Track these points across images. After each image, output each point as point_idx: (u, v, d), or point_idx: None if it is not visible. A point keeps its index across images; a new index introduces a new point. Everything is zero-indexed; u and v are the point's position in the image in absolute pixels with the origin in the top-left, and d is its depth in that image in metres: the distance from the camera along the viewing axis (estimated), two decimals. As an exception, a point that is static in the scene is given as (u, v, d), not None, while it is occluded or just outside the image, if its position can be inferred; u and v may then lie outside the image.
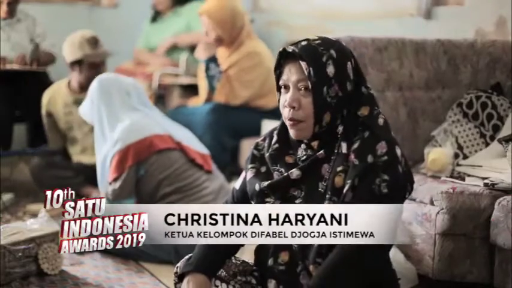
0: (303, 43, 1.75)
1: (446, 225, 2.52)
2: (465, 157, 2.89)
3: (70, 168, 3.94)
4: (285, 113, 1.77)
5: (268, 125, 3.87)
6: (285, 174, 1.79)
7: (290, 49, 1.74)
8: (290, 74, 1.75)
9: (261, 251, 1.87)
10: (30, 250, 2.78)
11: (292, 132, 1.78)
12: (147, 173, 3.11)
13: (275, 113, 4.08)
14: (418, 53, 3.06)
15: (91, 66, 3.91)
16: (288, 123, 1.78)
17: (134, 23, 5.28)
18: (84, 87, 3.97)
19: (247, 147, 4.04)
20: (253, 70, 4.13)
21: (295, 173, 1.77)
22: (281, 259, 1.78)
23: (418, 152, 2.92)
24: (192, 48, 4.80)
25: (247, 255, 2.04)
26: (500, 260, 2.47)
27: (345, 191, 1.69)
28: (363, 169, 1.69)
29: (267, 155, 1.85)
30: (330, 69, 1.73)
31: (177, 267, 1.89)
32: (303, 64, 1.72)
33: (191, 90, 4.70)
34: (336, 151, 1.75)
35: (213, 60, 4.09)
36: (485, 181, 2.59)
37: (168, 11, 5.00)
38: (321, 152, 1.76)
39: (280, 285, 1.78)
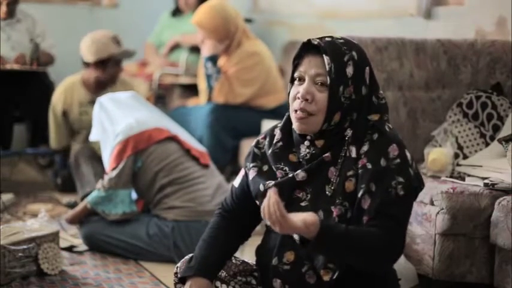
0: (327, 39, 1.75)
1: (446, 225, 2.52)
2: (465, 157, 2.89)
3: None
4: (296, 104, 1.75)
5: (268, 125, 3.86)
6: (290, 175, 1.78)
7: (315, 42, 1.74)
8: (309, 67, 1.74)
9: (262, 251, 1.86)
10: (30, 250, 2.78)
11: (297, 126, 1.76)
12: (144, 165, 3.12)
13: (275, 113, 4.08)
14: (418, 53, 3.06)
15: (116, 63, 4.04)
16: (295, 115, 1.75)
17: (134, 23, 5.29)
18: (102, 86, 4.08)
19: (247, 147, 4.03)
20: (253, 69, 4.12)
21: (300, 174, 1.76)
22: (286, 258, 1.78)
23: (418, 152, 2.92)
24: (192, 49, 4.80)
25: (247, 256, 2.03)
26: (500, 260, 2.47)
27: (360, 195, 1.69)
28: (378, 173, 1.69)
29: (269, 152, 1.84)
30: (349, 70, 1.73)
31: (177, 267, 1.89)
32: (326, 59, 1.71)
33: (191, 90, 4.70)
34: (343, 154, 1.74)
35: (210, 59, 4.09)
36: (485, 181, 2.59)
37: (188, 11, 5.00)
38: (327, 154, 1.75)
39: (286, 285, 1.78)
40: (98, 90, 4.08)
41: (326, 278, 1.72)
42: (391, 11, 4.16)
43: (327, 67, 1.71)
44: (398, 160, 1.71)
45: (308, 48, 1.76)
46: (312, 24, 4.72)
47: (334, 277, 1.71)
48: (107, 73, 4.02)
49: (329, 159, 1.75)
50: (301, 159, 1.79)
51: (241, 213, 1.92)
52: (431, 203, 2.58)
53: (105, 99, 3.33)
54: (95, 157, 3.96)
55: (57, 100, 4.14)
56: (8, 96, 4.24)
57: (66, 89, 4.14)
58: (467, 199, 2.51)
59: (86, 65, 4.03)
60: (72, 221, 3.22)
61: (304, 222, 1.59)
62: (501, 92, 3.00)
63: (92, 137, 3.38)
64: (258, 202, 1.83)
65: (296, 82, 1.78)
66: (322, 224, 1.61)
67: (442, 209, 2.53)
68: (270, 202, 1.58)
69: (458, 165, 2.86)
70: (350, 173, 1.72)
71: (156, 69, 4.90)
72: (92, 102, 4.05)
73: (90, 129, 4.03)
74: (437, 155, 2.78)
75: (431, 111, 3.05)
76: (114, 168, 3.11)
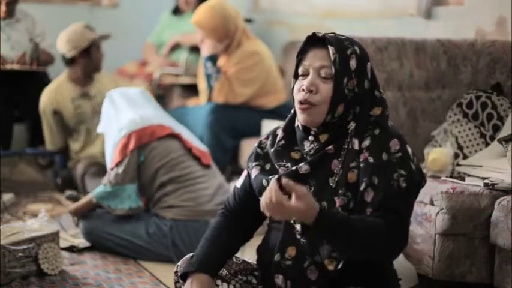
0: (330, 34, 1.79)
1: (446, 225, 2.52)
2: (465, 157, 2.89)
3: None
4: (300, 96, 1.77)
5: (268, 125, 3.87)
6: (293, 168, 1.79)
7: (320, 34, 1.78)
8: (314, 60, 1.77)
9: (264, 249, 1.87)
10: (30, 250, 2.78)
11: (302, 117, 1.78)
12: (146, 160, 3.13)
13: (275, 113, 4.08)
14: (418, 53, 3.06)
15: (97, 48, 4.14)
16: (299, 107, 1.78)
17: (134, 23, 5.29)
18: (89, 75, 4.16)
19: (247, 147, 4.04)
20: (253, 69, 4.13)
21: (304, 167, 1.78)
22: (288, 254, 1.79)
23: (418, 152, 2.92)
24: (192, 49, 4.80)
25: (248, 256, 2.03)
26: (500, 260, 2.47)
27: (362, 188, 1.71)
28: (380, 166, 1.71)
29: (271, 151, 1.86)
30: (352, 63, 1.76)
31: (177, 266, 1.90)
32: (331, 49, 1.74)
33: (191, 90, 4.70)
34: (345, 147, 1.77)
35: (210, 59, 4.08)
36: (485, 181, 2.59)
37: (189, 11, 5.00)
38: (330, 147, 1.77)
39: (288, 280, 1.79)
40: (86, 83, 4.17)
41: (330, 267, 1.73)
42: (391, 11, 4.16)
43: (332, 57, 1.74)
44: (399, 154, 1.73)
45: (312, 42, 1.79)
46: (312, 24, 4.71)
47: (339, 267, 1.72)
48: (93, 59, 4.11)
49: (332, 151, 1.77)
50: (305, 155, 1.81)
51: (244, 214, 1.93)
52: (431, 203, 2.58)
53: (115, 93, 3.37)
54: (102, 172, 3.95)
55: (46, 101, 4.16)
56: (8, 96, 4.24)
57: (54, 90, 4.18)
58: (467, 199, 2.51)
59: (71, 61, 4.12)
60: (75, 213, 3.22)
61: (304, 201, 1.59)
62: (501, 92, 3.00)
63: (99, 130, 3.41)
64: (261, 199, 1.84)
65: (300, 77, 1.80)
66: (322, 208, 1.64)
67: (442, 209, 2.53)
68: (272, 187, 1.60)
69: (458, 165, 2.86)
70: (352, 164, 1.75)
71: (156, 69, 4.90)
72: (83, 95, 4.15)
73: (89, 122, 4.09)
74: (437, 155, 2.78)
75: (431, 111, 3.05)
76: (118, 163, 3.11)
